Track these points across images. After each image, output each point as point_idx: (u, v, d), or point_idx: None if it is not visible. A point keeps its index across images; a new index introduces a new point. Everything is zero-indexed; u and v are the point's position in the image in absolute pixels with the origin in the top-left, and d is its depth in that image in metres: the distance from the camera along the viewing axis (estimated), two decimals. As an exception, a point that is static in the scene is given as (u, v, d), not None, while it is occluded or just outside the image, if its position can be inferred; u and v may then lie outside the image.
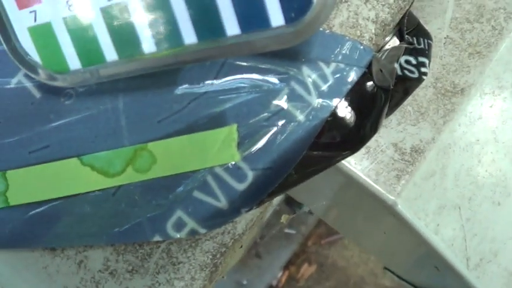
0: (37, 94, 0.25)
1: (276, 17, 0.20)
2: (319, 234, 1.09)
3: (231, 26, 0.20)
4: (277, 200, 0.99)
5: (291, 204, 0.94)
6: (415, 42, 0.33)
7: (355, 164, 0.34)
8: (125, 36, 0.21)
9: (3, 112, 0.25)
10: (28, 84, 0.25)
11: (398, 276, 0.53)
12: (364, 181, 0.34)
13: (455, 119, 0.35)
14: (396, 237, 0.41)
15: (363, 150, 0.35)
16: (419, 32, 0.33)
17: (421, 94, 0.35)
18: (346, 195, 0.40)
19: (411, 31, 0.33)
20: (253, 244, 1.01)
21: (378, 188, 0.34)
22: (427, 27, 0.34)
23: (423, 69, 0.32)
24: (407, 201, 0.34)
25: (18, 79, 0.25)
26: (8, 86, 0.25)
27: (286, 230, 1.04)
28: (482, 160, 0.36)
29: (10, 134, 0.25)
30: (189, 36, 0.21)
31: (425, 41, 0.33)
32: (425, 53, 0.33)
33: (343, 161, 0.34)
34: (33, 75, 0.23)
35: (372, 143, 0.35)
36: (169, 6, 0.20)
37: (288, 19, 0.20)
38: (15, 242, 0.25)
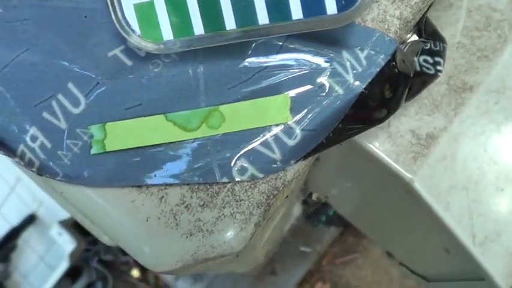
0: (129, 62, 0.34)
1: (331, 7, 0.29)
2: (334, 254, 1.16)
3: (297, 13, 0.30)
4: (296, 215, 1.07)
5: (312, 218, 1.02)
6: (432, 45, 0.41)
7: (378, 145, 0.43)
8: (212, 15, 0.30)
9: (104, 74, 0.34)
10: (121, 56, 0.34)
11: (410, 270, 0.62)
12: (386, 161, 0.43)
13: (464, 112, 0.44)
14: (412, 219, 0.50)
15: (385, 134, 0.43)
16: (436, 36, 0.42)
17: (436, 89, 0.44)
18: (369, 174, 0.49)
19: (429, 35, 0.41)
20: (269, 261, 1.09)
21: (397, 167, 0.43)
22: (442, 33, 0.42)
23: (438, 67, 0.41)
24: (422, 180, 0.43)
25: (114, 52, 0.34)
26: (106, 55, 0.34)
27: (302, 248, 1.12)
28: (488, 149, 0.45)
29: (110, 94, 0.34)
30: (263, 18, 0.30)
31: (441, 44, 0.42)
32: (441, 54, 0.42)
33: (369, 144, 0.43)
34: (133, 42, 0.32)
35: (393, 128, 0.43)
36: (250, -7, 0.30)
37: (340, 8, 0.29)
38: (109, 181, 0.34)
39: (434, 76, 0.41)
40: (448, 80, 0.44)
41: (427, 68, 0.41)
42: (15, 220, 1.15)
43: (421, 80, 0.41)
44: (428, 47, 0.41)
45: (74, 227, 1.12)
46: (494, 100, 0.45)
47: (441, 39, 0.42)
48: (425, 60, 0.41)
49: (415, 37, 0.39)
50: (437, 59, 0.41)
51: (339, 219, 1.03)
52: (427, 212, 0.44)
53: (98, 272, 1.28)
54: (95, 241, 1.16)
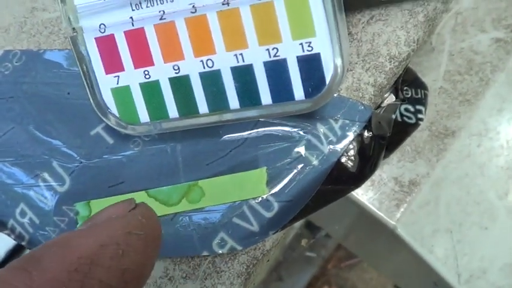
0: (110, 141, 0.36)
1: (298, 93, 0.31)
2: (339, 258, 1.19)
3: (265, 98, 0.31)
4: (298, 224, 1.09)
5: (311, 228, 1.05)
6: (413, 93, 0.43)
7: (362, 194, 0.45)
8: (185, 100, 0.32)
9: (86, 154, 0.36)
10: (103, 134, 0.36)
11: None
12: (369, 209, 0.45)
13: (447, 157, 0.45)
14: (398, 257, 0.51)
15: (368, 183, 0.45)
16: (417, 84, 0.43)
17: (418, 136, 0.45)
18: (355, 220, 0.51)
19: (410, 83, 0.43)
20: (275, 267, 1.11)
21: (381, 215, 0.44)
22: (424, 79, 0.44)
23: (420, 116, 0.43)
24: (405, 226, 0.44)
25: (97, 130, 0.36)
26: (89, 134, 0.36)
27: (307, 253, 1.14)
28: (471, 191, 0.46)
29: (93, 172, 0.36)
30: (233, 103, 0.32)
31: (422, 91, 0.43)
32: (422, 101, 0.43)
33: (352, 192, 0.45)
34: (110, 124, 0.34)
35: (376, 177, 0.45)
36: (221, 80, 0.31)
37: (307, 94, 0.31)
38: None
39: (415, 125, 0.43)
40: (430, 126, 0.46)
41: (408, 118, 0.43)
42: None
43: (402, 131, 0.43)
44: (409, 95, 0.43)
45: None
46: (476, 143, 0.46)
47: (422, 86, 0.44)
48: (406, 109, 0.43)
49: (392, 96, 0.40)
50: (418, 107, 0.43)
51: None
52: (412, 254, 0.46)
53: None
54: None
